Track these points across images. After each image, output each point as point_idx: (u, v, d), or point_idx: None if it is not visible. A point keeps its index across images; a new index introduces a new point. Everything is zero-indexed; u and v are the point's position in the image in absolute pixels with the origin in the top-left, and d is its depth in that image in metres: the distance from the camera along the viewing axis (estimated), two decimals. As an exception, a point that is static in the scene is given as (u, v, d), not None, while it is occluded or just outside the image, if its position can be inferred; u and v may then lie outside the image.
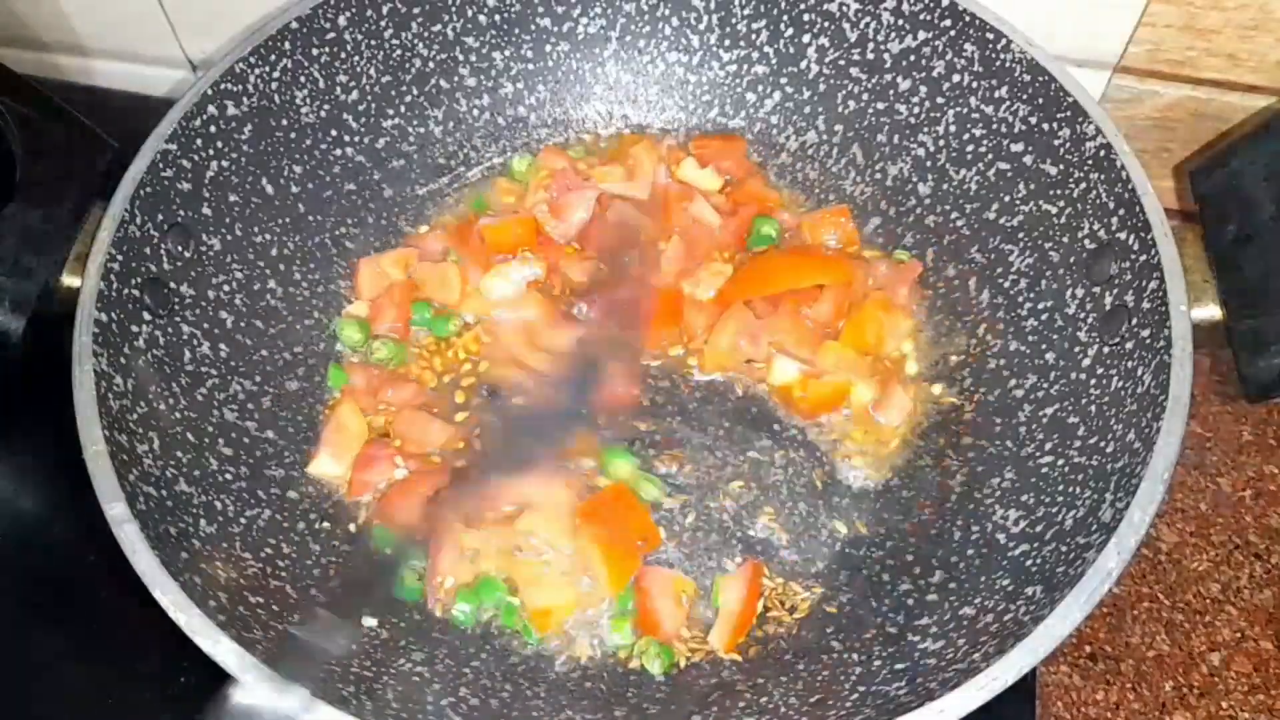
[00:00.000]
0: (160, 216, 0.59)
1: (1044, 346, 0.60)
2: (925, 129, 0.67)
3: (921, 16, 0.65)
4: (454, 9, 0.71)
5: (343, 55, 0.69)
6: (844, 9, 0.68)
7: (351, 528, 0.62)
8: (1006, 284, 0.63)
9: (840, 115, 0.71)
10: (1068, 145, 0.59)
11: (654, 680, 0.56)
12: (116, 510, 0.48)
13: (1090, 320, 0.57)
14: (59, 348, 0.53)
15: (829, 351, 0.65)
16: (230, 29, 0.83)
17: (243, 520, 0.56)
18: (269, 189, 0.67)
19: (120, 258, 0.56)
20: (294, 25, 0.65)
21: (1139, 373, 0.52)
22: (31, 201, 0.58)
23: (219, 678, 0.44)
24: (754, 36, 0.72)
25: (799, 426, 0.64)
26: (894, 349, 0.66)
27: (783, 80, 0.73)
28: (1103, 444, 0.52)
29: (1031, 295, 0.61)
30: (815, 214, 0.72)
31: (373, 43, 0.69)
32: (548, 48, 0.75)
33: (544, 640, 0.58)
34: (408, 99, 0.73)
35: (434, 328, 0.69)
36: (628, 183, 0.73)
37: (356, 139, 0.71)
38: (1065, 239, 0.60)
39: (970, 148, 0.65)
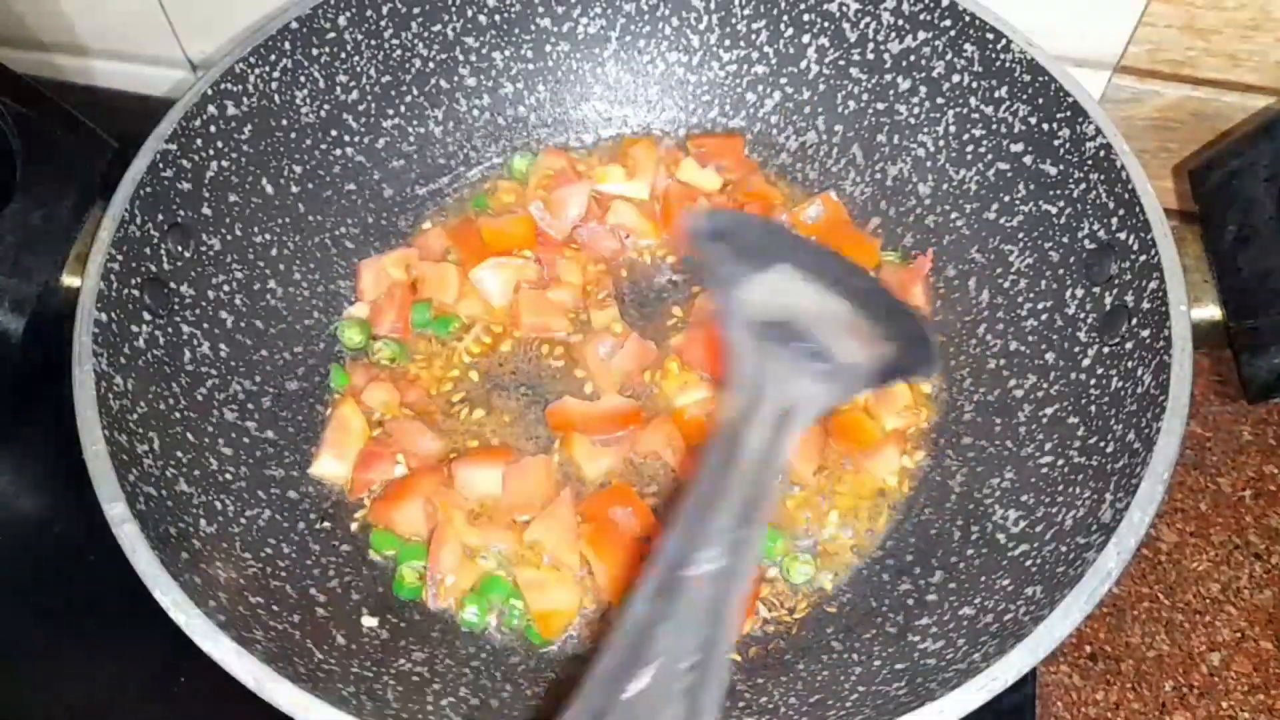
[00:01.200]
0: (160, 216, 0.59)
1: (1044, 346, 0.60)
2: (925, 129, 0.67)
3: (921, 16, 0.65)
4: (454, 9, 0.71)
5: (343, 55, 0.69)
6: (844, 9, 0.68)
7: (352, 527, 0.62)
8: (1006, 284, 0.63)
9: (840, 115, 0.71)
10: (1068, 145, 0.59)
11: (654, 680, 0.56)
12: (116, 510, 0.48)
13: (1090, 320, 0.57)
14: (59, 348, 0.53)
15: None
16: (230, 29, 0.83)
17: (243, 520, 0.56)
18: (269, 189, 0.67)
19: (120, 258, 0.56)
20: (294, 25, 0.65)
21: (1139, 373, 0.52)
22: (31, 201, 0.59)
23: (219, 678, 0.44)
24: (754, 36, 0.72)
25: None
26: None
27: (783, 80, 0.73)
28: (1103, 444, 0.52)
29: (1031, 295, 0.61)
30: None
31: (373, 43, 0.69)
32: (548, 48, 0.75)
33: (546, 640, 0.58)
34: (408, 99, 0.73)
35: (435, 329, 0.69)
36: (628, 183, 0.73)
37: (356, 139, 0.71)
38: (1065, 239, 0.60)
39: (970, 148, 0.65)
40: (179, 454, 0.55)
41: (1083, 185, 0.58)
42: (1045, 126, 0.60)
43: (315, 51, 0.67)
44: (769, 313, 0.45)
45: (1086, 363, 0.56)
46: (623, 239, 0.72)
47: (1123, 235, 0.55)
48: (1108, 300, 0.56)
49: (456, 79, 0.74)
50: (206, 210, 0.63)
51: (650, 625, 0.32)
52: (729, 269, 0.46)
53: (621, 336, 0.67)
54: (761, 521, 0.38)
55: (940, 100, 0.66)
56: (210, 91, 0.62)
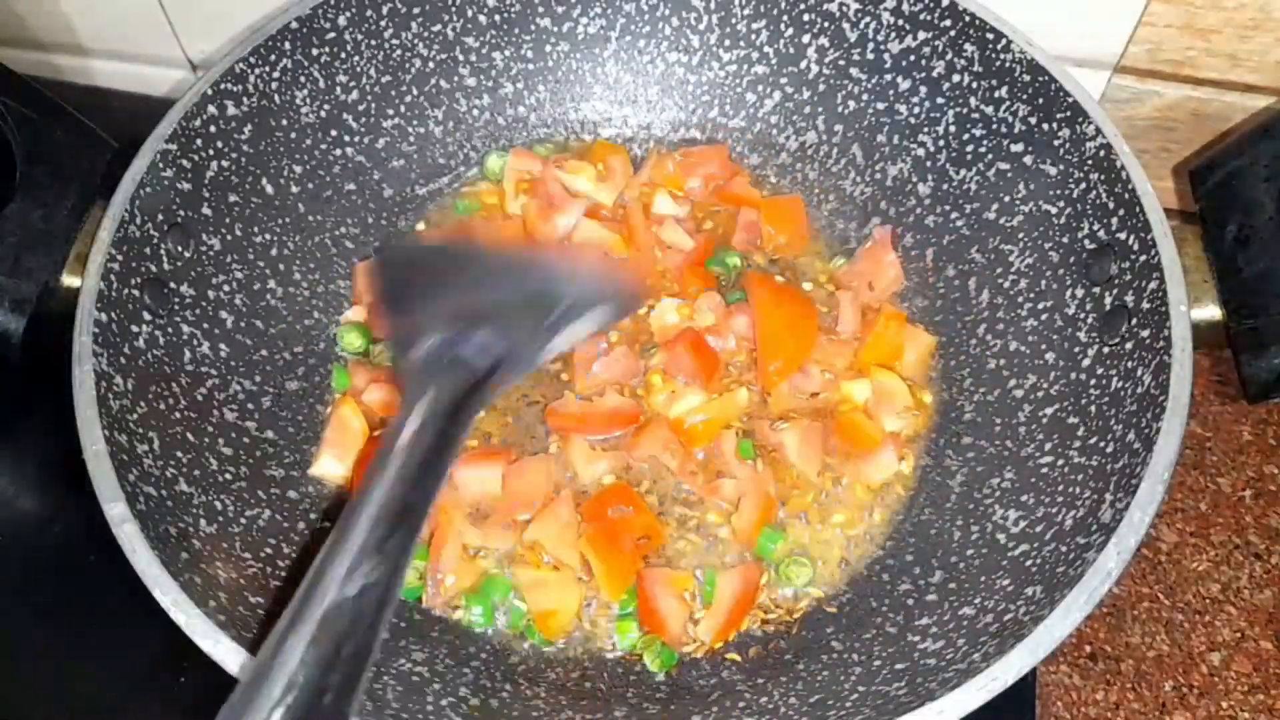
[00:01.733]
0: (160, 216, 0.59)
1: (1044, 346, 0.60)
2: (925, 129, 0.67)
3: (921, 16, 0.65)
4: (454, 9, 0.71)
5: (343, 55, 0.69)
6: (844, 9, 0.68)
7: (351, 528, 0.62)
8: (1006, 284, 0.63)
9: (840, 115, 0.71)
10: (1068, 145, 0.59)
11: (654, 680, 0.56)
12: (116, 510, 0.48)
13: (1090, 320, 0.57)
14: (59, 348, 0.53)
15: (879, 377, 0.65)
16: (230, 29, 0.83)
17: (243, 520, 0.56)
18: (269, 189, 0.67)
19: (120, 258, 0.56)
20: (294, 25, 0.65)
21: (1139, 373, 0.52)
22: (31, 201, 0.59)
23: (219, 678, 0.44)
24: (754, 36, 0.72)
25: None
26: (914, 361, 0.66)
27: (783, 80, 0.73)
28: (1103, 444, 0.52)
29: (1031, 295, 0.61)
30: (772, 201, 0.72)
31: (373, 43, 0.69)
32: (548, 48, 0.75)
33: (546, 640, 0.58)
34: (408, 99, 0.73)
35: None
36: (597, 184, 0.73)
37: (356, 139, 0.71)
38: (1065, 239, 0.60)
39: (970, 148, 0.65)
40: (179, 454, 0.55)
41: (1083, 185, 0.58)
42: (1045, 126, 0.60)
43: (315, 51, 0.67)
44: (438, 327, 0.46)
45: (1086, 363, 0.56)
46: (606, 252, 0.71)
47: (1123, 235, 0.55)
48: (1108, 300, 0.56)
49: (456, 79, 0.74)
50: (206, 210, 0.63)
51: (287, 653, 0.31)
52: (401, 316, 0.48)
53: (611, 345, 0.66)
54: (415, 528, 0.37)
55: (940, 100, 0.66)
56: (210, 91, 0.62)
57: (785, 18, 0.70)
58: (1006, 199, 0.64)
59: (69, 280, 0.58)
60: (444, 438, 0.41)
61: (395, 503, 0.37)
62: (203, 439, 0.58)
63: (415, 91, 0.73)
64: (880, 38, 0.67)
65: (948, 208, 0.67)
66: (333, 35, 0.68)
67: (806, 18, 0.69)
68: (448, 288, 0.49)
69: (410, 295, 0.49)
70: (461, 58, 0.73)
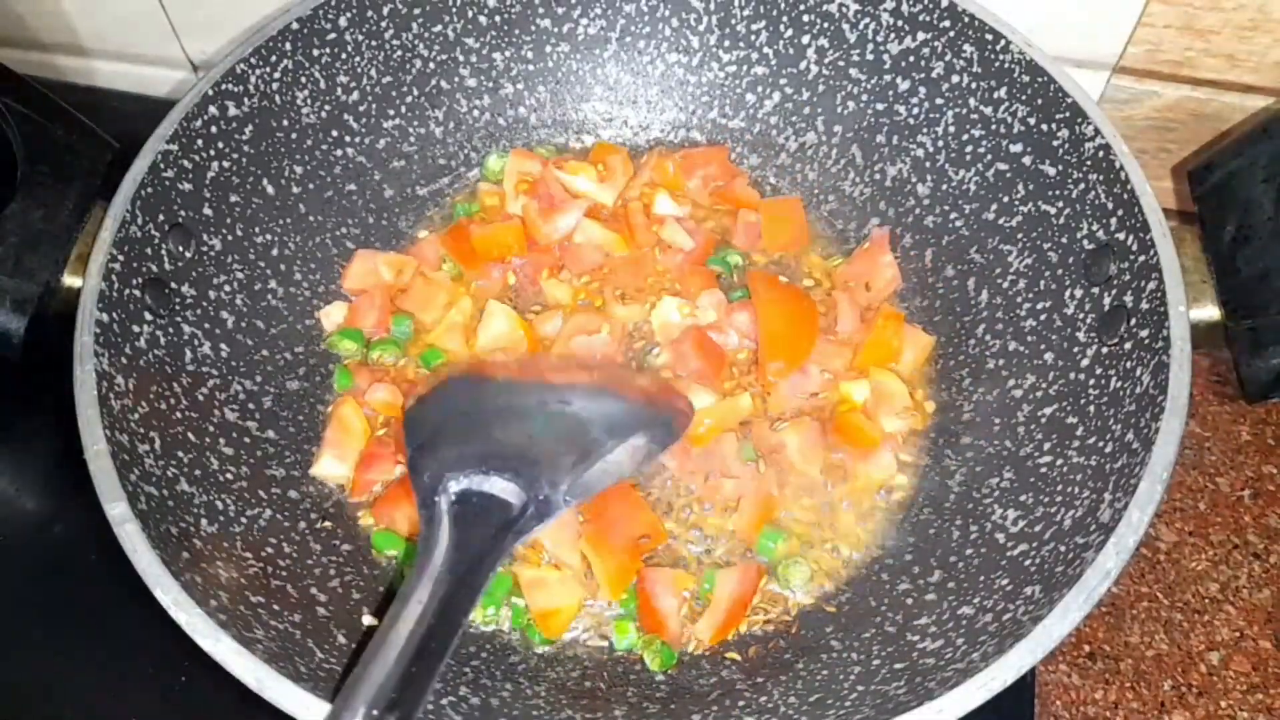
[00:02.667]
0: (161, 217, 0.59)
1: (1043, 346, 0.60)
2: (924, 130, 0.68)
3: (921, 17, 0.65)
4: (454, 10, 0.71)
5: (343, 56, 0.69)
6: (843, 10, 0.68)
7: (353, 527, 0.62)
8: (1006, 284, 0.63)
9: (839, 116, 0.72)
10: (1067, 146, 0.59)
11: (654, 680, 0.56)
12: (117, 510, 0.48)
13: (1089, 320, 0.57)
14: (60, 348, 0.53)
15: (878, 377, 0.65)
16: (231, 29, 0.83)
17: (244, 520, 0.57)
18: (270, 189, 0.67)
19: (121, 258, 0.56)
20: (295, 26, 0.65)
21: (1138, 373, 0.52)
22: (32, 201, 0.59)
23: (219, 678, 0.45)
24: (753, 37, 0.72)
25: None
26: (913, 361, 0.66)
27: (782, 81, 0.73)
28: (1102, 444, 0.52)
29: (1031, 295, 0.62)
30: (772, 203, 0.73)
31: (373, 43, 0.70)
32: (548, 49, 0.75)
33: (546, 640, 0.58)
34: (408, 99, 0.73)
35: (422, 361, 0.67)
36: (598, 185, 0.73)
37: (357, 139, 0.72)
38: (1064, 239, 0.60)
39: (969, 148, 0.65)
40: (180, 454, 0.55)
41: (1082, 186, 0.58)
42: (1044, 127, 0.60)
43: (316, 52, 0.67)
44: (465, 467, 0.47)
45: (1085, 363, 0.56)
46: (606, 253, 0.71)
47: (1121, 235, 0.56)
48: (1106, 300, 0.56)
49: (457, 80, 0.74)
50: (207, 210, 0.63)
51: None
52: (427, 457, 0.49)
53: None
54: (433, 672, 0.39)
55: (939, 101, 0.66)
56: (211, 92, 0.62)
57: (785, 18, 0.70)
58: (1005, 199, 0.64)
59: (70, 280, 0.58)
60: (465, 587, 0.42)
61: (414, 650, 0.39)
62: (204, 439, 0.58)
63: (416, 92, 0.73)
64: (880, 39, 0.67)
65: (947, 208, 0.67)
66: (333, 36, 0.68)
67: (806, 18, 0.69)
68: (474, 426, 0.50)
69: (437, 436, 0.50)
70: (462, 58, 0.73)
